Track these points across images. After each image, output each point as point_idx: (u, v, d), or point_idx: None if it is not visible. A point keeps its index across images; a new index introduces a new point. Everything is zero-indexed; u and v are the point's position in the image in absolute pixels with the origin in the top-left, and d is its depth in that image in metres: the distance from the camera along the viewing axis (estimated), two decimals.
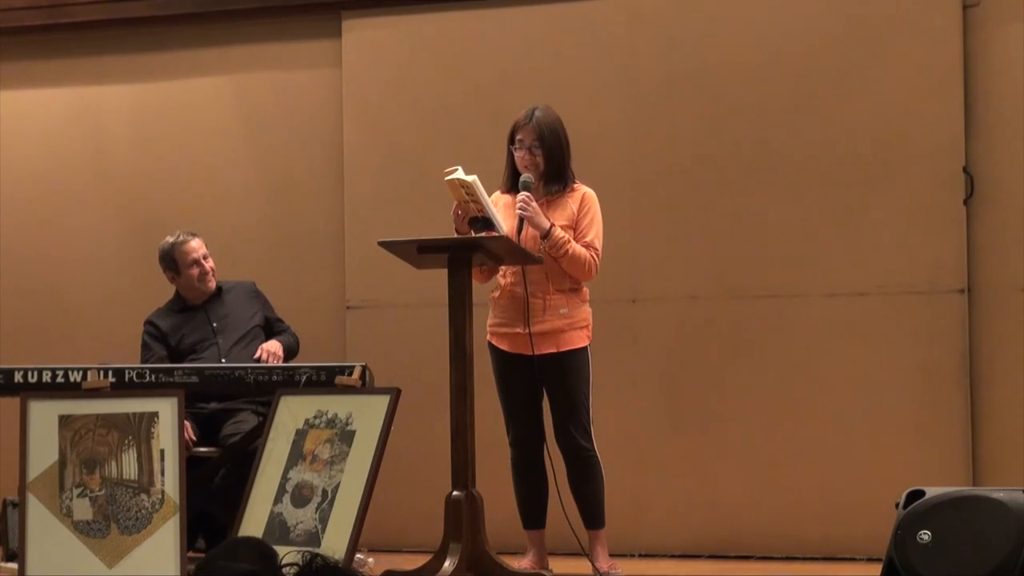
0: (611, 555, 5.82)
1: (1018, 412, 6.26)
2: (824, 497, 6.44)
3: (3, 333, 7.50)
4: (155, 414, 5.59)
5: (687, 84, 6.67)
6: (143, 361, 6.51)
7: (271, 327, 6.68)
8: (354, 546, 5.31)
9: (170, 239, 6.61)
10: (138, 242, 7.41)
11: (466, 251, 5.50)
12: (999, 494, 4.71)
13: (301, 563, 2.60)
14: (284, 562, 2.62)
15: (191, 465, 5.82)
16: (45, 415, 5.58)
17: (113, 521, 5.49)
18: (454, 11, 6.99)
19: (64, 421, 5.58)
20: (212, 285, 6.60)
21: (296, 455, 5.56)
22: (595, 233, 5.68)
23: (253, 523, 5.47)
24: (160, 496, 5.50)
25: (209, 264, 6.59)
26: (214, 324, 6.53)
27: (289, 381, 5.89)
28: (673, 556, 6.58)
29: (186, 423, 5.86)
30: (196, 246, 6.58)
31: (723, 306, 6.60)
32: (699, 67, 6.65)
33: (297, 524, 5.43)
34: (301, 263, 7.22)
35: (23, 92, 7.63)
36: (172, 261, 6.56)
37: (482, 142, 6.56)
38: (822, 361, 6.48)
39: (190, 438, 6.17)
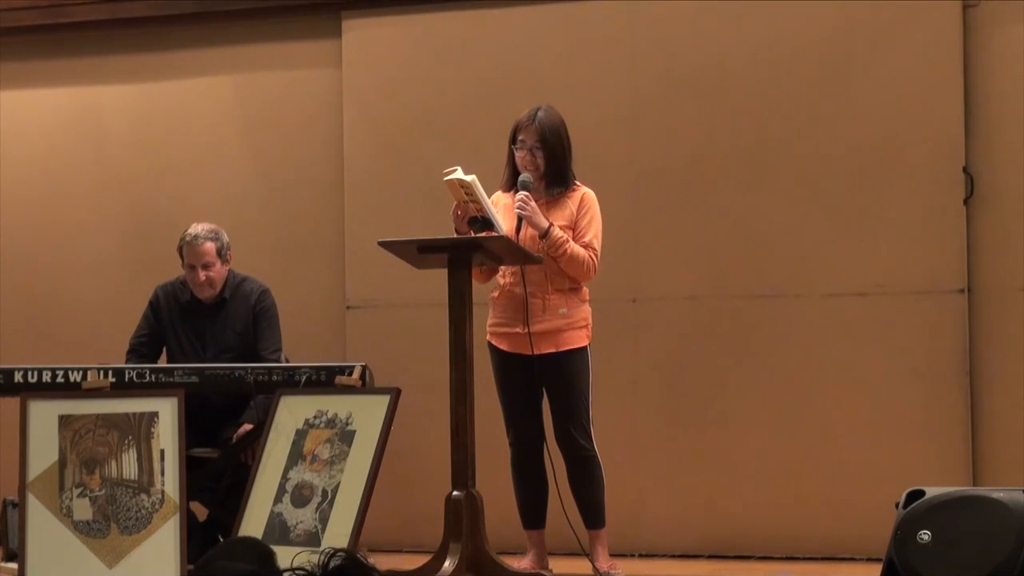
0: (611, 555, 5.82)
1: (1018, 412, 6.26)
2: (824, 497, 6.44)
3: (3, 333, 7.50)
4: (155, 414, 5.59)
5: (687, 84, 6.67)
6: (137, 328, 6.50)
7: (257, 348, 6.38)
8: (354, 546, 5.31)
9: (190, 232, 6.39)
10: (138, 242, 7.42)
11: (466, 251, 5.49)
12: (999, 494, 4.71)
13: (320, 562, 2.59)
14: (296, 564, 2.61)
15: (191, 466, 5.81)
16: (45, 415, 5.58)
17: (113, 521, 5.49)
18: (454, 11, 6.99)
19: (64, 421, 5.58)
20: (206, 294, 6.40)
21: (296, 455, 5.56)
22: (594, 233, 5.68)
23: (253, 523, 5.47)
24: (160, 496, 5.50)
25: (206, 274, 6.36)
26: (205, 335, 6.45)
27: (289, 381, 5.89)
28: (673, 556, 6.58)
29: None
30: (202, 252, 6.35)
31: (723, 306, 6.60)
32: (699, 67, 6.65)
33: (297, 524, 5.43)
34: (301, 263, 7.21)
35: (23, 92, 7.63)
36: (181, 252, 6.49)
37: (482, 142, 6.56)
38: (822, 361, 6.48)
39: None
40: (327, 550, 2.61)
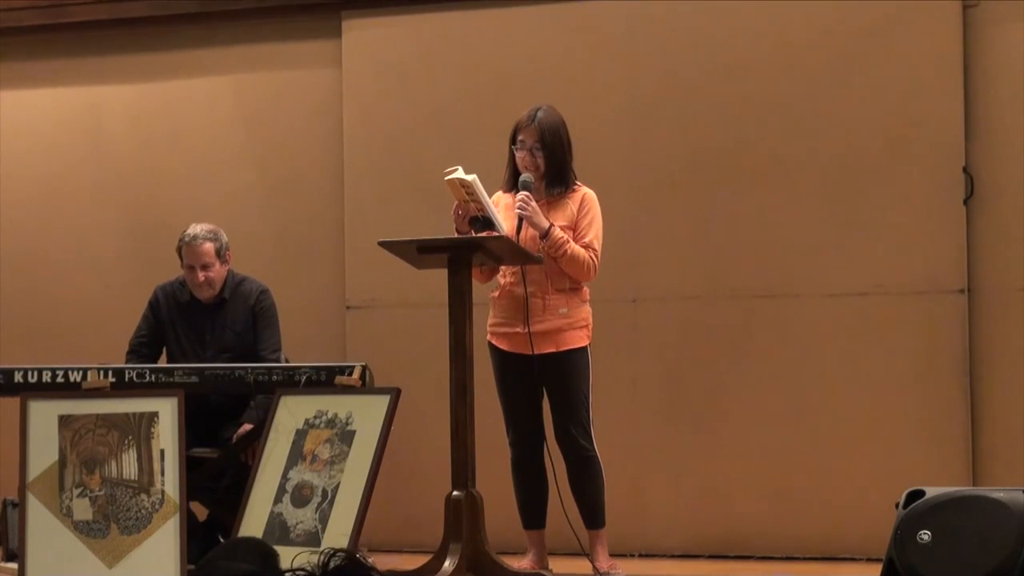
0: (611, 555, 5.82)
1: (1018, 412, 6.26)
2: (824, 497, 6.44)
3: (3, 333, 7.50)
4: (155, 414, 5.59)
5: (687, 84, 6.67)
6: (137, 328, 6.51)
7: (257, 348, 6.39)
8: (354, 546, 5.31)
9: (189, 232, 6.39)
10: (138, 242, 7.42)
11: (466, 251, 5.49)
12: (999, 494, 4.71)
13: (320, 562, 2.59)
14: (296, 565, 2.61)
15: (191, 466, 5.81)
16: (45, 415, 5.58)
17: (113, 521, 5.49)
18: (454, 11, 6.99)
19: (64, 421, 5.58)
20: (205, 295, 6.40)
21: (296, 455, 5.56)
22: (594, 234, 5.68)
23: (253, 523, 5.47)
24: (160, 496, 5.50)
25: (205, 275, 6.35)
26: (205, 335, 6.46)
27: (289, 381, 5.89)
28: (673, 556, 6.58)
29: None
30: (201, 252, 6.35)
31: (723, 306, 6.60)
32: (699, 67, 6.65)
33: (297, 524, 5.43)
34: (301, 263, 7.21)
35: (23, 92, 7.63)
36: (180, 253, 6.49)
37: (482, 142, 6.56)
38: (822, 361, 6.48)
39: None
40: (327, 550, 2.61)
